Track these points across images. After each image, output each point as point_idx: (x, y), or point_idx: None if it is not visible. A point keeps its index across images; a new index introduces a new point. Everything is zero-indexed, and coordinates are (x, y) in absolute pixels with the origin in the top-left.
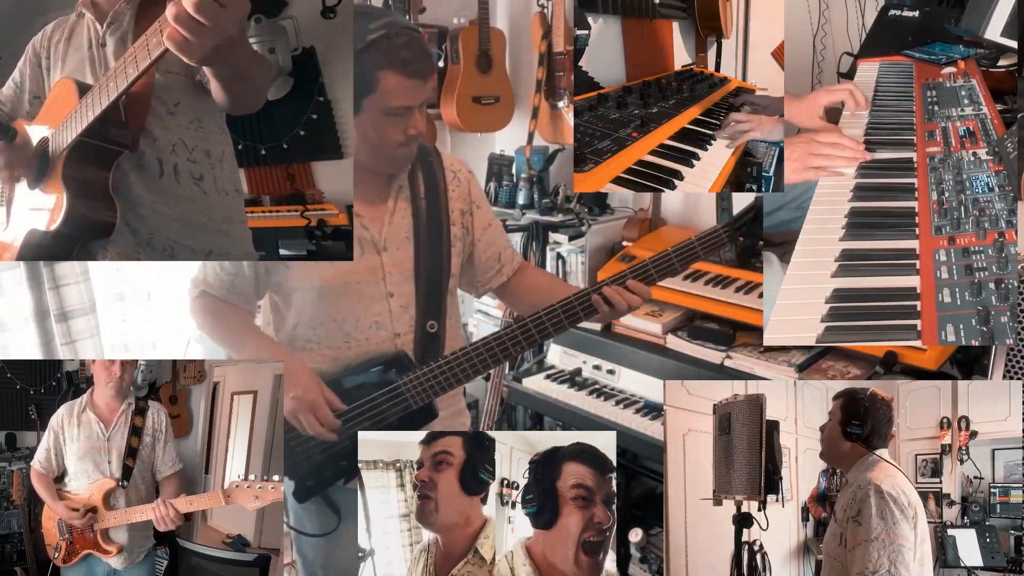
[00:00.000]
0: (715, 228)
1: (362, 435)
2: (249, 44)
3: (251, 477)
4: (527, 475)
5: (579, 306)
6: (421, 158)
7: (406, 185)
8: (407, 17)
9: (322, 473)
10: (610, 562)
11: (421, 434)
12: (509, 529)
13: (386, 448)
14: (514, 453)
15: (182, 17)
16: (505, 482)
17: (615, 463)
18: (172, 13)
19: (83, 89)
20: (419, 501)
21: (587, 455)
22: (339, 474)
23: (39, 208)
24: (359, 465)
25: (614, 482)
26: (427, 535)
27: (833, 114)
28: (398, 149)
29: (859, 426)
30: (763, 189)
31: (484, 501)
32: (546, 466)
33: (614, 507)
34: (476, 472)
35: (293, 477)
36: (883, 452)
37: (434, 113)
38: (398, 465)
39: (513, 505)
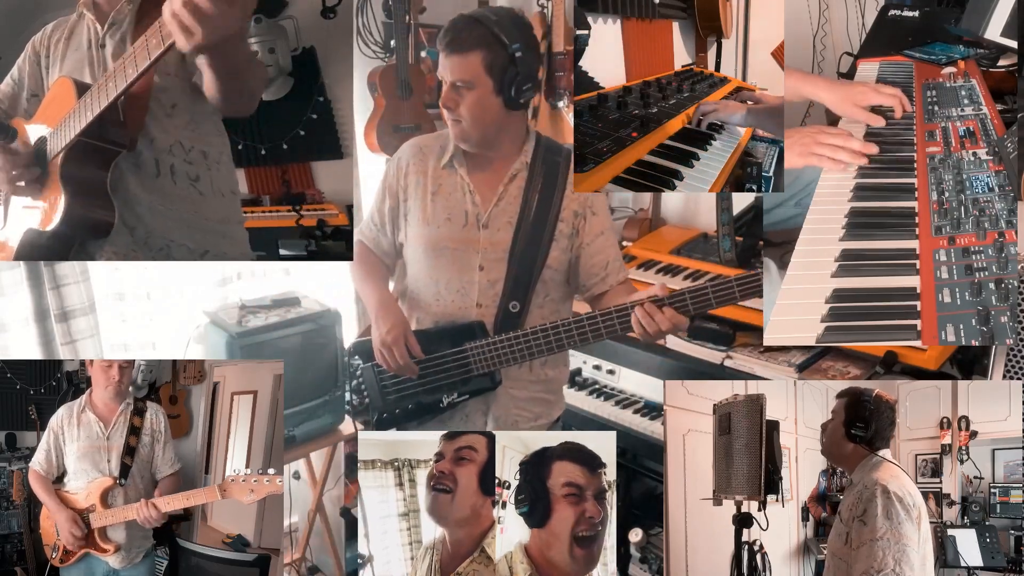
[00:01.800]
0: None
1: (361, 435)
2: (248, 45)
3: (247, 471)
4: (518, 476)
5: (617, 318)
6: (548, 156)
7: (522, 175)
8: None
9: (394, 411)
10: (610, 562)
11: (422, 434)
12: (499, 530)
13: (383, 448)
14: (507, 452)
15: (189, 3)
16: (497, 481)
17: (615, 463)
18: None
19: (81, 88)
20: (433, 493)
21: (576, 453)
22: (408, 416)
23: (36, 207)
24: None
25: (604, 477)
26: (432, 534)
27: None
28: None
29: (863, 428)
30: (763, 189)
31: (495, 503)
32: (536, 466)
33: (605, 501)
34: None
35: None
36: (885, 452)
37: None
38: (396, 464)
39: (504, 505)
